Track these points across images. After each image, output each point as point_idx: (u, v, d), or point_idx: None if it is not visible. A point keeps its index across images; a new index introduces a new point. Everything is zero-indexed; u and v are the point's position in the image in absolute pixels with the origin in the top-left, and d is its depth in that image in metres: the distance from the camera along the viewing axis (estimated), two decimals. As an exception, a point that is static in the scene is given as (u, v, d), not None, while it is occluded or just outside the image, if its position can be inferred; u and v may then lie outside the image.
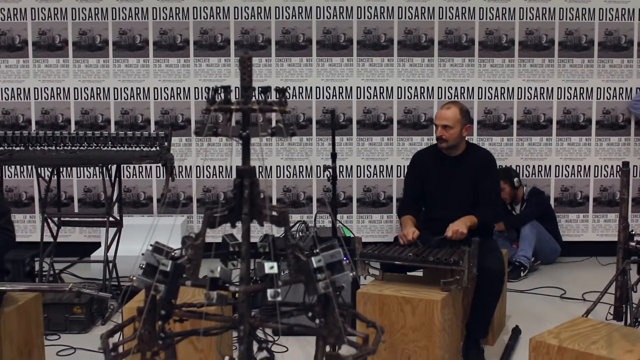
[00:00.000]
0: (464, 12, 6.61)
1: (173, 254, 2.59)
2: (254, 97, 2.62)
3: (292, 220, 5.13)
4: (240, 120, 2.58)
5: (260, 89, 2.59)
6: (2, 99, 6.76)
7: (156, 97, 6.71)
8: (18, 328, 3.84)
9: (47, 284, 5.10)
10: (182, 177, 6.76)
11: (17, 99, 6.76)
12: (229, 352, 4.04)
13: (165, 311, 2.52)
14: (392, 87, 6.67)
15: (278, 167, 6.72)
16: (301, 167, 6.71)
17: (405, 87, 6.67)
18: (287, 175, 6.73)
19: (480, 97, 6.69)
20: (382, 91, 6.68)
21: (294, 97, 6.63)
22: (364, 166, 6.73)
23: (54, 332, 4.86)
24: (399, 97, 6.69)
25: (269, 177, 6.66)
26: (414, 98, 6.69)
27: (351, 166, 6.72)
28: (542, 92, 6.71)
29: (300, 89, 6.64)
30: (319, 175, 6.62)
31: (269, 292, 2.36)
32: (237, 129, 2.55)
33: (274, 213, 2.56)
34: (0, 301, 3.71)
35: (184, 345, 3.54)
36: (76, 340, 4.76)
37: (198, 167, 6.77)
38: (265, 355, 2.57)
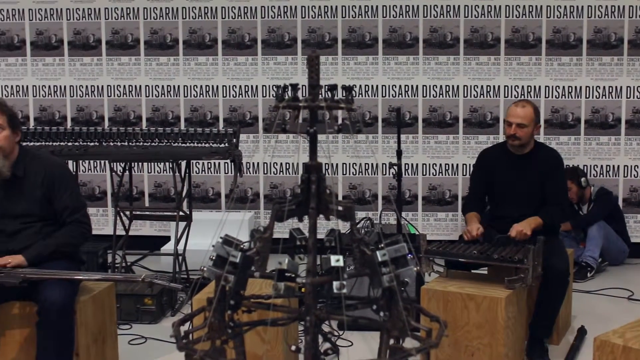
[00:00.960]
0: (530, 10, 6.58)
1: (242, 246, 2.68)
2: (321, 95, 2.69)
3: (357, 217, 5.19)
4: (307, 117, 2.66)
5: (327, 86, 2.65)
6: (77, 96, 6.98)
7: (225, 95, 6.84)
8: (93, 316, 3.99)
9: (120, 274, 5.25)
10: (250, 173, 6.88)
11: (92, 96, 6.97)
12: (295, 344, 4.12)
13: (234, 301, 2.60)
14: (458, 86, 6.68)
15: (344, 165, 6.78)
16: (367, 165, 6.76)
17: (471, 86, 6.67)
18: (353, 172, 6.79)
19: (547, 96, 6.65)
20: (447, 90, 6.69)
21: (360, 95, 6.68)
22: (429, 164, 6.75)
23: (126, 322, 5.02)
24: (465, 95, 6.69)
25: (335, 174, 6.73)
26: (480, 97, 6.68)
27: (417, 164, 6.75)
28: (610, 91, 6.63)
29: (367, 87, 6.70)
30: (384, 173, 6.67)
31: (335, 284, 2.42)
32: (304, 125, 2.62)
33: (340, 208, 2.63)
34: (77, 290, 3.86)
35: (251, 336, 3.63)
36: (147, 330, 4.91)
37: (265, 164, 6.87)
38: (329, 347, 2.65)
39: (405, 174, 6.60)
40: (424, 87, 6.69)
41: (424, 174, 6.77)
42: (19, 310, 3.88)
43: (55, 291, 3.63)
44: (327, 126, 2.67)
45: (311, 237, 2.58)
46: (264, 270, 2.59)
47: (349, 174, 6.79)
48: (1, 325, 3.94)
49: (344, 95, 2.71)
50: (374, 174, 6.76)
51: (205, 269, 2.65)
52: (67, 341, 3.71)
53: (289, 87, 2.71)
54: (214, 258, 2.65)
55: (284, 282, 2.49)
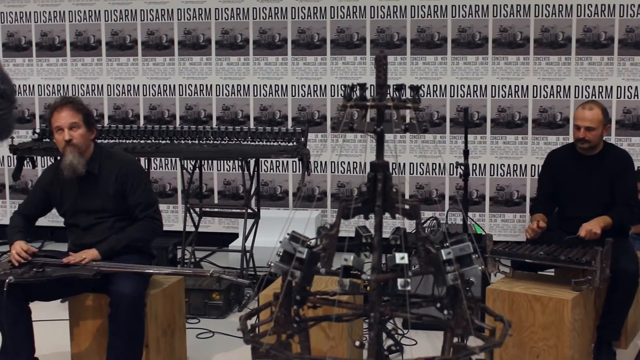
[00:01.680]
0: (603, 9, 6.48)
1: (309, 243, 2.73)
2: (388, 95, 2.73)
3: (423, 217, 5.20)
4: (375, 116, 2.69)
5: (394, 86, 2.68)
6: (150, 94, 7.13)
7: (294, 94, 6.91)
8: (163, 309, 4.09)
9: (189, 269, 5.36)
10: (318, 172, 6.94)
11: (164, 95, 7.11)
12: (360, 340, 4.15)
13: (300, 297, 2.65)
14: (527, 86, 6.62)
15: (411, 164, 6.79)
16: (434, 165, 6.75)
17: (541, 86, 6.60)
18: (420, 172, 6.79)
19: (619, 96, 6.54)
20: (517, 90, 6.63)
21: (429, 95, 6.68)
22: (497, 165, 6.71)
23: (194, 316, 5.13)
24: (535, 95, 6.62)
25: (402, 173, 6.74)
26: (550, 97, 6.61)
27: (484, 164, 6.71)
28: (685, 91, 6.50)
29: (435, 87, 6.69)
30: (452, 173, 6.65)
31: (399, 281, 2.45)
32: (371, 125, 2.66)
33: (406, 206, 2.66)
34: (148, 283, 3.97)
35: (316, 332, 3.69)
36: (214, 325, 5.01)
37: (333, 163, 6.92)
38: (393, 344, 2.68)
39: (472, 175, 6.57)
40: (493, 87, 6.65)
41: (492, 174, 6.73)
42: (93, 302, 4.02)
43: (127, 284, 3.75)
44: (393, 125, 2.70)
45: (376, 234, 2.62)
46: (329, 266, 2.63)
47: (416, 174, 6.79)
48: (75, 316, 4.08)
49: (411, 94, 2.74)
50: (441, 174, 6.75)
51: (272, 264, 2.71)
52: (137, 333, 3.82)
53: (357, 87, 2.75)
54: (281, 254, 2.70)
55: (349, 279, 2.53)
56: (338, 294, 2.72)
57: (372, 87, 2.66)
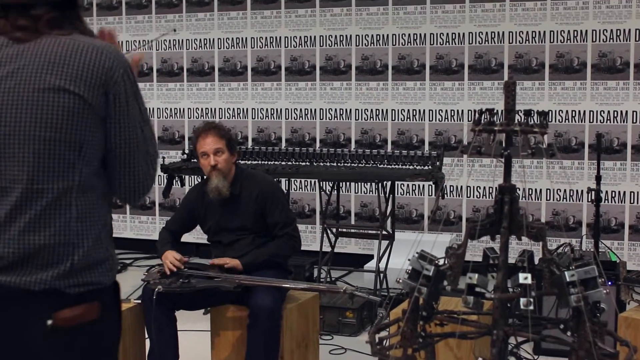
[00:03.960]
0: None
1: (437, 261, 2.84)
2: (517, 119, 2.81)
3: (557, 243, 5.18)
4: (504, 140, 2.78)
5: (523, 111, 2.77)
6: (292, 118, 7.41)
7: (431, 119, 7.02)
8: (297, 323, 4.28)
9: (324, 285, 5.54)
10: (453, 196, 7.00)
11: (304, 119, 7.37)
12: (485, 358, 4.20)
13: (427, 313, 2.77)
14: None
15: (548, 190, 6.74)
16: (571, 191, 6.68)
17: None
18: (557, 198, 6.73)
19: None
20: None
21: (567, 120, 6.62)
22: (637, 192, 6.56)
23: (327, 333, 5.29)
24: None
25: (538, 199, 6.71)
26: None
27: (624, 192, 6.59)
28: None
29: (574, 112, 6.63)
30: (589, 200, 6.57)
31: (522, 301, 2.52)
32: (499, 148, 2.75)
33: (532, 228, 2.73)
34: (284, 297, 4.17)
35: (443, 350, 3.78)
36: (347, 342, 5.15)
37: (469, 187, 6.97)
38: (518, 363, 2.74)
39: (611, 202, 6.47)
40: (634, 113, 6.52)
41: (632, 202, 6.59)
42: (233, 313, 4.25)
43: (265, 297, 3.96)
44: (520, 149, 2.78)
45: (502, 255, 2.70)
46: (455, 284, 2.73)
47: (553, 200, 6.74)
48: (216, 327, 4.33)
49: (539, 120, 2.81)
50: (579, 201, 6.67)
51: (400, 280, 2.84)
52: (274, 344, 4.02)
53: (486, 112, 2.85)
54: (409, 271, 2.83)
55: (473, 297, 2.62)
56: (462, 313, 2.82)
57: (500, 112, 2.75)
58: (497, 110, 2.88)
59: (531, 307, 2.52)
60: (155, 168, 2.24)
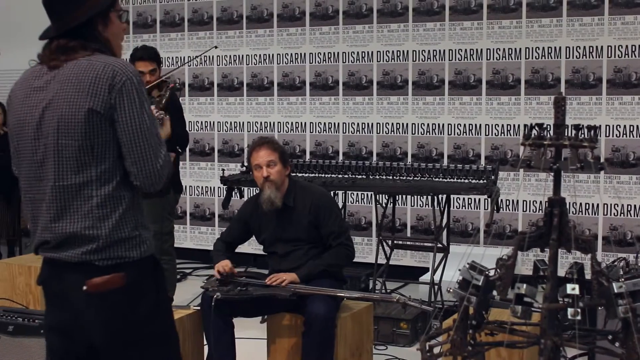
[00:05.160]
0: None
1: (487, 272, 2.91)
2: (566, 134, 2.87)
3: (614, 257, 5.18)
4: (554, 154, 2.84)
5: (572, 126, 2.83)
6: (349, 132, 7.52)
7: (487, 134, 7.05)
8: (352, 332, 4.37)
9: (377, 294, 5.62)
10: (509, 210, 7.01)
11: (361, 133, 7.48)
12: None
13: (476, 322, 2.84)
14: None
15: (605, 205, 6.71)
16: (629, 206, 6.64)
17: None
18: (614, 213, 6.70)
19: None
20: None
21: (625, 135, 6.60)
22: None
23: (382, 343, 5.37)
24: None
25: (595, 214, 6.69)
26: None
27: (685, 207, 6.54)
28: None
29: (631, 127, 6.60)
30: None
31: (569, 311, 2.58)
32: (548, 162, 2.81)
33: (581, 241, 2.78)
34: (339, 306, 4.27)
35: (495, 359, 3.82)
36: (401, 353, 5.22)
37: (525, 202, 6.98)
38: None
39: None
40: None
41: (693, 217, 6.53)
42: (288, 321, 4.36)
43: (320, 305, 4.07)
44: (569, 163, 2.84)
45: (550, 266, 2.76)
46: (504, 295, 2.79)
47: (610, 215, 6.71)
48: (273, 334, 4.45)
49: (588, 134, 2.86)
50: (637, 216, 6.63)
51: (451, 290, 2.92)
52: (328, 352, 4.12)
53: (536, 126, 2.92)
54: (459, 281, 2.91)
55: (522, 306, 2.68)
56: (512, 324, 2.87)
57: (550, 126, 2.81)
58: (548, 125, 2.94)
59: (578, 318, 2.57)
60: (163, 160, 2.61)
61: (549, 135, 2.87)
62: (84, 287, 2.52)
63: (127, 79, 2.54)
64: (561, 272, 2.80)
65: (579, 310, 2.57)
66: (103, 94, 2.51)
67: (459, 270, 2.96)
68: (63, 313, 2.62)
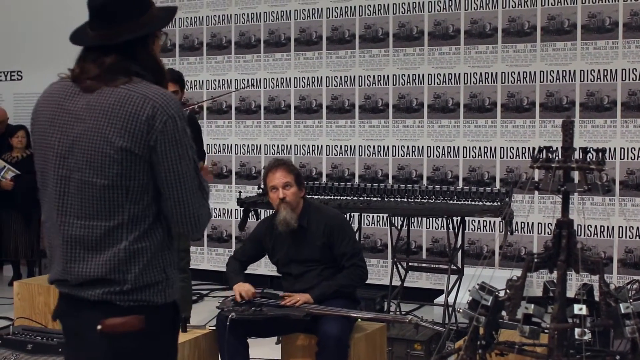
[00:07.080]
0: None
1: (496, 293, 2.96)
2: (574, 157, 2.93)
3: (627, 279, 5.20)
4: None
5: (580, 149, 2.89)
6: (365, 155, 7.59)
7: (502, 156, 7.09)
8: (365, 353, 4.41)
9: (390, 315, 5.65)
10: (524, 232, 7.04)
11: (377, 155, 7.54)
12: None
13: (486, 342, 2.88)
14: None
15: (620, 228, 6.72)
16: (640, 229, 6.66)
17: None
18: (629, 236, 6.71)
19: None
20: None
21: (639, 158, 6.62)
22: None
23: (396, 364, 5.40)
24: None
25: (610, 236, 6.70)
26: None
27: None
28: None
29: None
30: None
31: (577, 331, 2.63)
32: (555, 184, 2.87)
33: (589, 262, 2.83)
34: (352, 326, 4.32)
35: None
36: (415, 374, 5.24)
37: (540, 224, 7.00)
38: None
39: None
40: None
41: None
42: (302, 341, 4.41)
43: (333, 325, 4.11)
44: (577, 185, 2.89)
45: (559, 286, 2.81)
46: (513, 315, 2.84)
47: (625, 237, 6.72)
48: (287, 354, 4.49)
49: (596, 157, 2.92)
50: (653, 239, 6.64)
51: (461, 310, 2.97)
52: (342, 372, 4.16)
53: (544, 149, 2.98)
54: (469, 302, 2.95)
55: (529, 326, 2.73)
56: (522, 344, 2.91)
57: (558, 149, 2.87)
58: (556, 148, 3.00)
59: (586, 338, 2.61)
60: (204, 208, 2.43)
61: (557, 158, 2.93)
62: (99, 327, 2.34)
63: (168, 117, 2.30)
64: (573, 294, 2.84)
65: (586, 330, 2.61)
66: (141, 134, 2.28)
67: (469, 290, 3.01)
68: (79, 352, 2.46)
